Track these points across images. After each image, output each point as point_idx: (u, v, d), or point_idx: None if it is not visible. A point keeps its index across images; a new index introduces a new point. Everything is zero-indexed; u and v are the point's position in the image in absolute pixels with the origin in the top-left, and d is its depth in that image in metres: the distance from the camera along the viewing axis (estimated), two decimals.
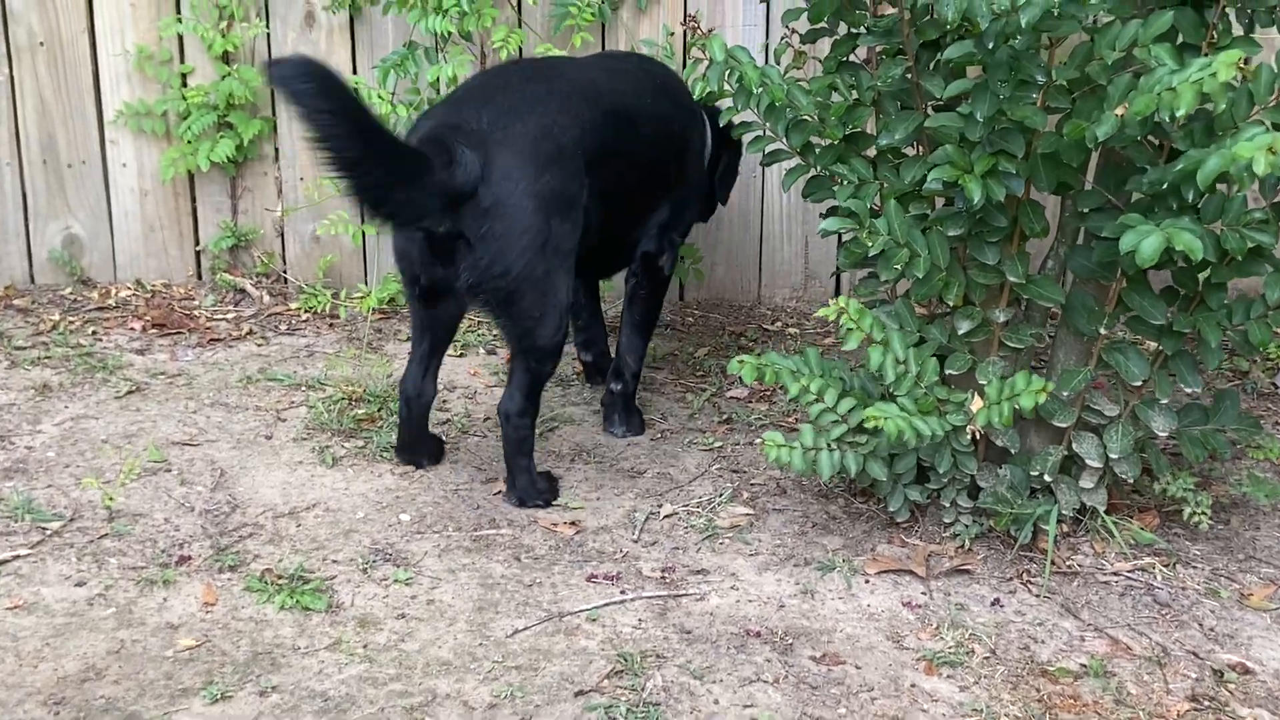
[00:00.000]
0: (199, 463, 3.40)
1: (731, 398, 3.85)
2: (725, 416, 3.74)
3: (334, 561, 3.01)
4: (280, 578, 2.92)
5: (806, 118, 2.97)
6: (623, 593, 2.92)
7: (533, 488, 3.25)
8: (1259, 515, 3.22)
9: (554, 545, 3.09)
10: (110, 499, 3.17)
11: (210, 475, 3.34)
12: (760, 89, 2.89)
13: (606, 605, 2.87)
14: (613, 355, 3.77)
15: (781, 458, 2.84)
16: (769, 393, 3.90)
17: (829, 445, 2.90)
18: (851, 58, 3.07)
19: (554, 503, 3.27)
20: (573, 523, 3.19)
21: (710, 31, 2.89)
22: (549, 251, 3.07)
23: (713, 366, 4.05)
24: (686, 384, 3.94)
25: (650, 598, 2.91)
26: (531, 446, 3.26)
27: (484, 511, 3.23)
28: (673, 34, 4.21)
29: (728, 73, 2.87)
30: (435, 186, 2.90)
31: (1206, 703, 2.60)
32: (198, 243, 4.43)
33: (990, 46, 2.53)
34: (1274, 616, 2.88)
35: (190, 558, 3.00)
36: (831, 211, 2.95)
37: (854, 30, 3.01)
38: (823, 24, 3.03)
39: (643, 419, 3.66)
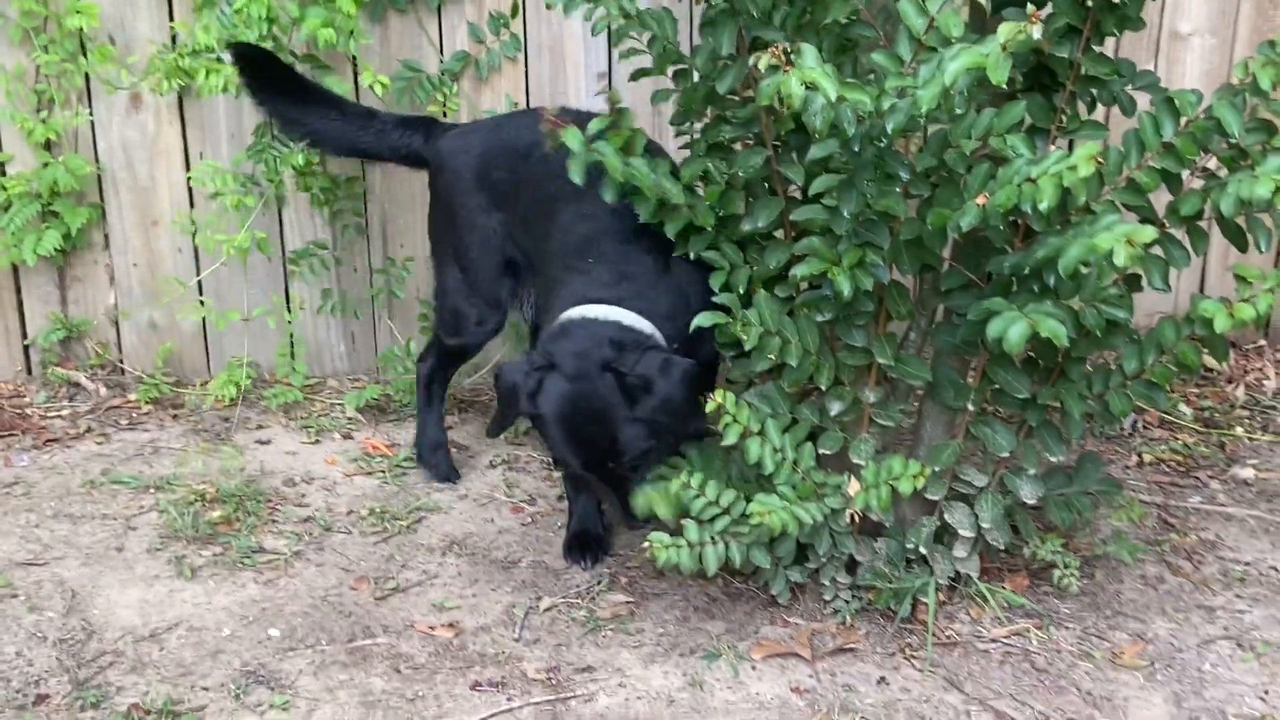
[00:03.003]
0: (47, 584, 3.22)
1: None
2: None
3: (204, 688, 2.87)
4: (148, 713, 2.78)
5: (677, 205, 2.95)
6: (509, 699, 2.86)
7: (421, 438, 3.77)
8: (1121, 569, 3.31)
9: (433, 652, 3.01)
10: None
11: (61, 598, 3.17)
12: (623, 179, 2.86)
13: (494, 715, 2.81)
14: None
15: (670, 559, 2.82)
16: None
17: (712, 538, 2.88)
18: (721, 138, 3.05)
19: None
20: (450, 624, 3.11)
21: (565, 124, 2.83)
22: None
23: None
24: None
25: (538, 703, 2.85)
26: (421, 397, 3.75)
27: (356, 619, 3.13)
28: (516, 104, 4.16)
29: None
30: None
31: None
32: (25, 337, 4.21)
33: (856, 150, 2.54)
34: (1145, 674, 2.96)
35: (48, 696, 2.83)
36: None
37: (722, 115, 2.98)
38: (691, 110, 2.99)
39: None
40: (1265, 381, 4.25)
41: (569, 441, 3.00)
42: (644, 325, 3.01)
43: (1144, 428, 4.00)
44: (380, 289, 4.19)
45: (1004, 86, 2.35)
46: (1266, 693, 2.92)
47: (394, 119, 3.69)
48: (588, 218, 3.14)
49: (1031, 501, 3.07)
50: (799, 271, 2.78)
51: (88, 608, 3.14)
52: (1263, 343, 4.42)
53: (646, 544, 2.85)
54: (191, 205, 4.12)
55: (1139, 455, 3.86)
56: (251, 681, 2.90)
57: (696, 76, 2.96)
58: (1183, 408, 4.08)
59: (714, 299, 2.97)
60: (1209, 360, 4.24)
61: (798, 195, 2.97)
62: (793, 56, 2.35)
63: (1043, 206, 2.43)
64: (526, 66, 4.17)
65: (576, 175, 2.86)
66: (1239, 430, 3.99)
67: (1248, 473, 3.77)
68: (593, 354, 2.94)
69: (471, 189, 3.46)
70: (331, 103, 3.70)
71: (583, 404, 2.96)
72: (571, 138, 2.84)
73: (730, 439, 2.82)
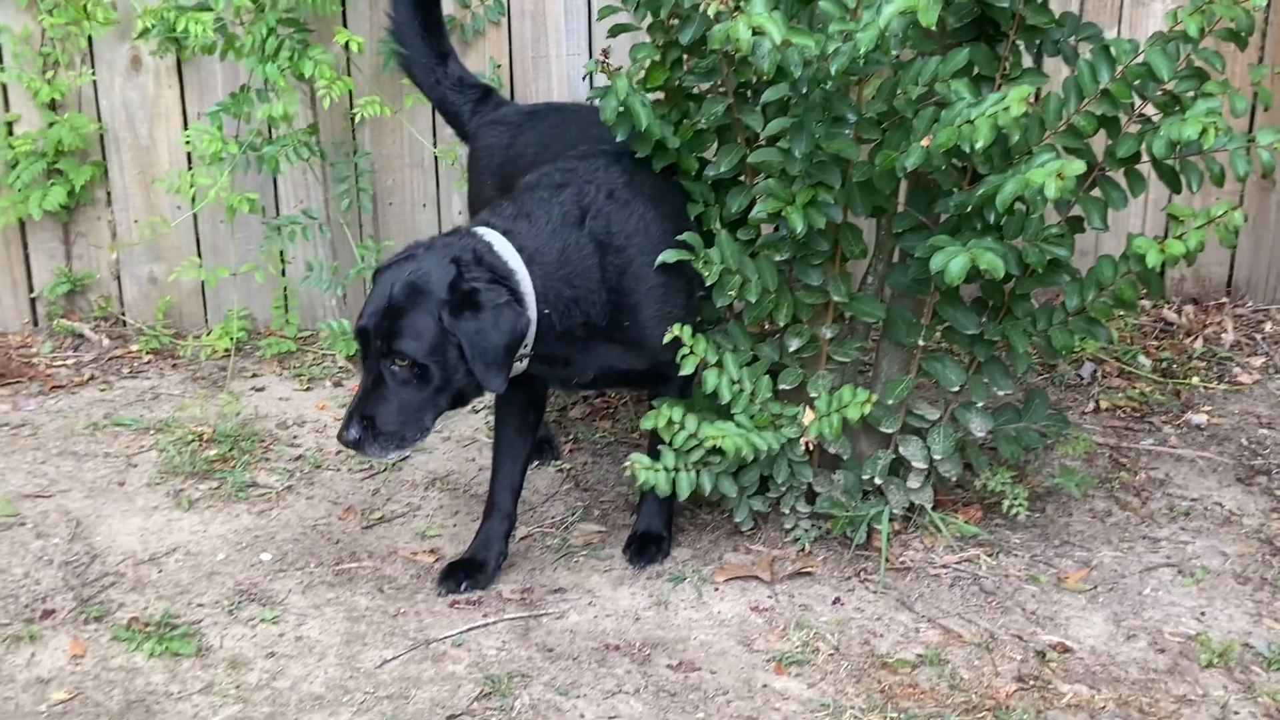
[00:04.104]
0: (53, 514, 3.41)
1: (574, 418, 3.98)
2: (571, 436, 3.88)
3: (199, 605, 3.06)
4: (147, 625, 2.97)
5: (672, 148, 3.12)
6: (485, 616, 3.04)
7: None
8: (1070, 503, 3.48)
9: (415, 574, 3.19)
10: None
11: (66, 526, 3.36)
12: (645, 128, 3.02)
13: (471, 629, 2.99)
14: None
15: (649, 480, 2.98)
16: (611, 410, 4.05)
17: (687, 467, 3.05)
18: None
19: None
20: (431, 550, 3.29)
21: (618, 69, 2.95)
22: None
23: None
24: None
25: (512, 619, 3.03)
26: None
27: (344, 545, 3.31)
28: (499, 66, 4.32)
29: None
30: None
31: (1032, 682, 2.84)
32: (32, 290, 4.40)
33: (804, 91, 2.71)
34: (1088, 597, 3.13)
35: (54, 611, 3.02)
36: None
37: (684, 65, 3.13)
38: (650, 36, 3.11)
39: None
40: (1223, 335, 4.40)
41: (370, 298, 2.93)
42: (515, 264, 2.95)
43: (1102, 377, 4.16)
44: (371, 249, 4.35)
45: (934, 29, 2.52)
46: (1203, 614, 3.09)
47: (456, 76, 3.70)
48: (538, 173, 3.23)
49: (981, 435, 3.24)
50: (757, 208, 2.95)
51: (91, 535, 3.33)
52: (1225, 300, 4.58)
53: (628, 463, 3.01)
54: (190, 165, 4.29)
55: (1096, 402, 4.03)
56: (244, 599, 3.08)
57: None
58: (1141, 359, 4.24)
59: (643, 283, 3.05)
60: (1170, 315, 4.47)
61: (765, 145, 3.14)
62: (741, 3, 2.52)
63: (979, 145, 2.60)
64: (510, 29, 4.33)
65: (610, 114, 2.98)
66: (1195, 380, 4.15)
67: (1200, 418, 3.93)
68: (453, 249, 2.93)
69: (487, 183, 3.60)
70: (418, 29, 3.68)
71: (407, 273, 2.89)
72: (620, 84, 2.94)
73: (687, 370, 2.99)
